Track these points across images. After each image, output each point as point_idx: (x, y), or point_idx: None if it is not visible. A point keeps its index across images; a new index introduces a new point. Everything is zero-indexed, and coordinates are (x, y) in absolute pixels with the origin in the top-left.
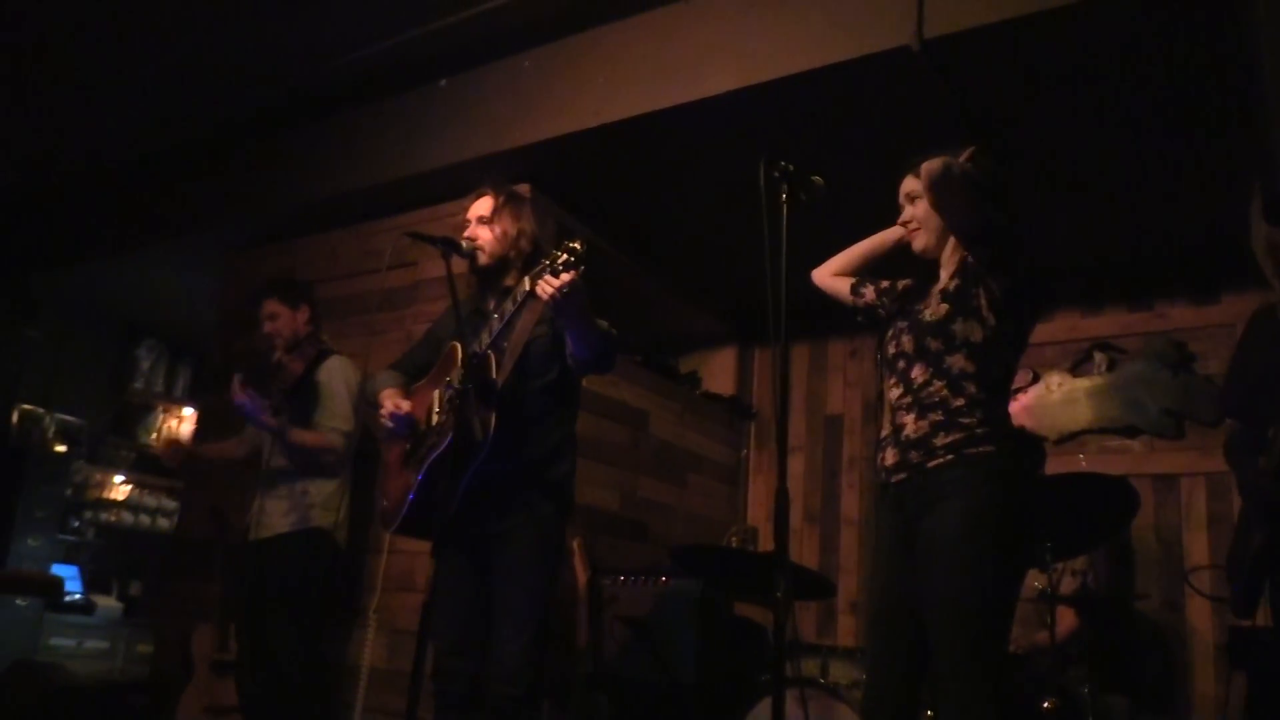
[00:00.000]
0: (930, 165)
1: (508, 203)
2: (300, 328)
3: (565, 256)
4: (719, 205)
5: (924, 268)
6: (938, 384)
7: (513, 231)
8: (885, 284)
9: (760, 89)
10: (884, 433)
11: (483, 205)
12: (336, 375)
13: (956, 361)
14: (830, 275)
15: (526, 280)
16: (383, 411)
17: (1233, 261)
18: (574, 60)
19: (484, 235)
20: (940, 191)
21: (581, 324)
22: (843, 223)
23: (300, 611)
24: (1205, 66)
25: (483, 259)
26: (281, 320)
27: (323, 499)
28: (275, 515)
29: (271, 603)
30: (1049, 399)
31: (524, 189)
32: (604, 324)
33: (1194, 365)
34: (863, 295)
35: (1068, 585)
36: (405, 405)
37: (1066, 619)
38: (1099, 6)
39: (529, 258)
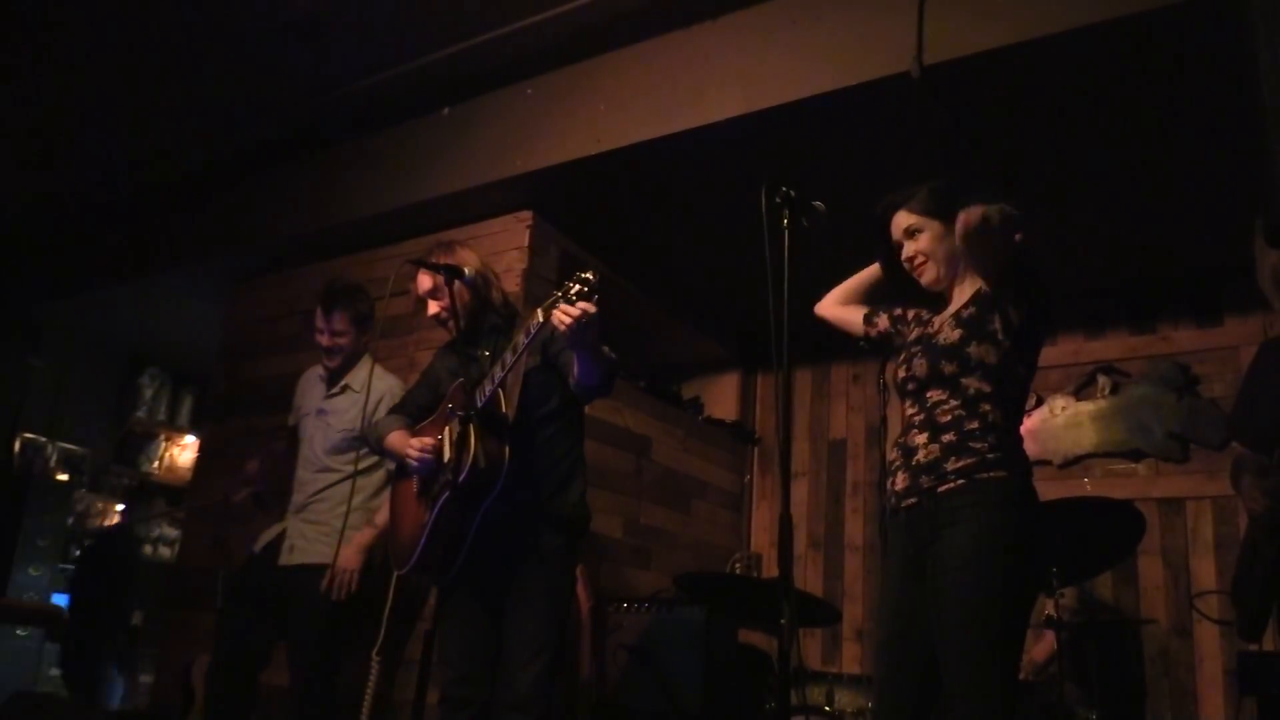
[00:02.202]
0: (969, 216)
1: (435, 275)
2: (360, 351)
3: (578, 287)
4: (721, 231)
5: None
6: (954, 403)
7: (465, 298)
8: (899, 311)
9: (762, 115)
10: (893, 457)
11: (421, 283)
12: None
13: (972, 383)
14: (835, 306)
15: (539, 312)
16: (410, 453)
17: (1236, 284)
18: (576, 88)
19: (443, 305)
20: (979, 242)
21: (593, 351)
22: (845, 247)
23: (324, 640)
24: (1206, 90)
25: (460, 325)
26: (346, 340)
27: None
28: (317, 543)
29: (296, 630)
30: (1053, 422)
31: (526, 216)
32: (604, 348)
33: (1198, 388)
34: (876, 325)
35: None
36: (429, 442)
37: (1045, 641)
38: (1099, 31)
39: (482, 293)
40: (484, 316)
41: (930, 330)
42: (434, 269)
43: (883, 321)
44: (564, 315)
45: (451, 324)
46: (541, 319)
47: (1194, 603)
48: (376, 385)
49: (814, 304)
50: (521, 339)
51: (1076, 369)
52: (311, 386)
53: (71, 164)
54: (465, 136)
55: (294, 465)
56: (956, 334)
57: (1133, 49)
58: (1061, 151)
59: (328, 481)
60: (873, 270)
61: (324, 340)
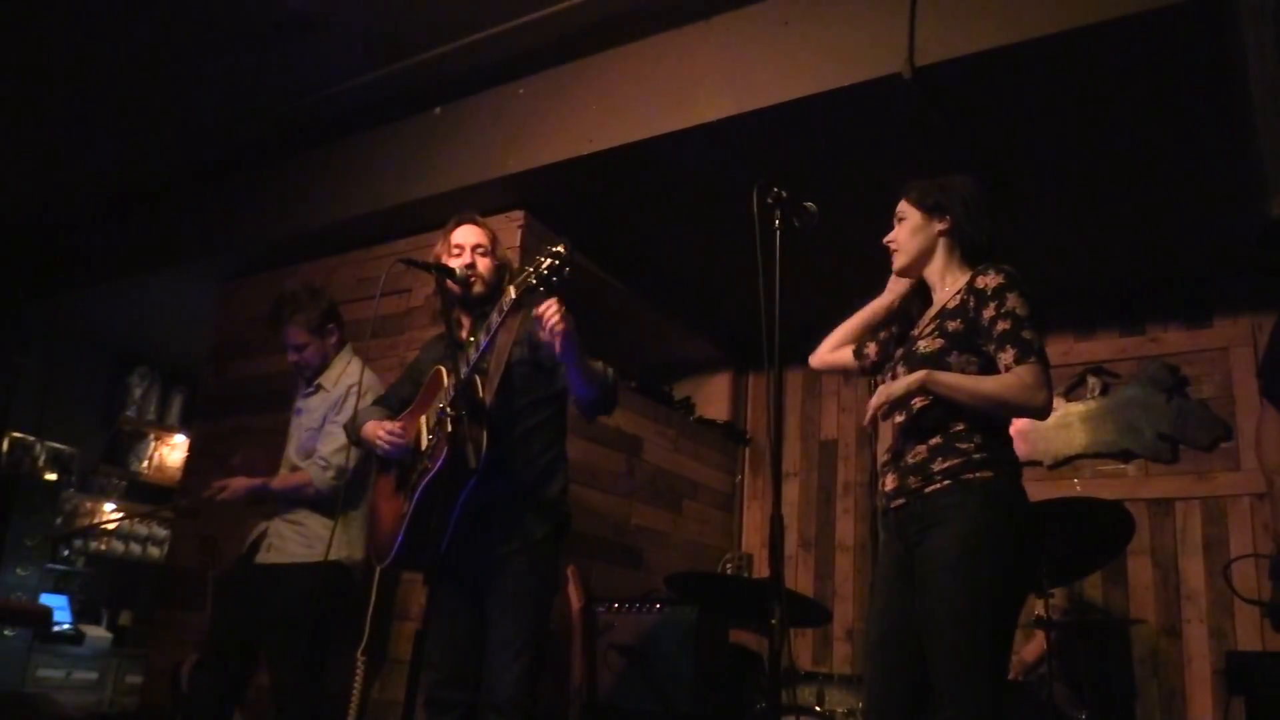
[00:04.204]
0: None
1: (493, 233)
2: (330, 352)
3: (549, 261)
4: (713, 231)
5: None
6: (938, 410)
7: (507, 257)
8: (884, 334)
9: (753, 116)
10: (884, 459)
11: (477, 234)
12: (354, 390)
13: None
14: (828, 352)
15: (511, 289)
16: (380, 441)
17: (1225, 285)
18: (567, 88)
19: (484, 264)
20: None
21: (580, 365)
22: (836, 248)
23: (302, 641)
24: (1195, 92)
25: (479, 288)
26: (310, 350)
27: (346, 532)
28: (293, 542)
29: (271, 630)
30: (1043, 423)
31: (518, 216)
32: (599, 365)
33: (1187, 389)
34: (867, 356)
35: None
36: (397, 426)
37: (1035, 641)
38: (1088, 34)
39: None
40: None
41: (913, 333)
42: (423, 268)
43: (872, 350)
44: (548, 332)
45: (452, 314)
46: (514, 295)
47: (1225, 573)
48: (343, 381)
49: (805, 304)
50: (495, 318)
51: (1066, 370)
52: (297, 384)
53: (61, 162)
54: (457, 136)
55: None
56: (938, 343)
57: (1122, 51)
58: (1052, 153)
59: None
60: (867, 311)
61: (291, 358)
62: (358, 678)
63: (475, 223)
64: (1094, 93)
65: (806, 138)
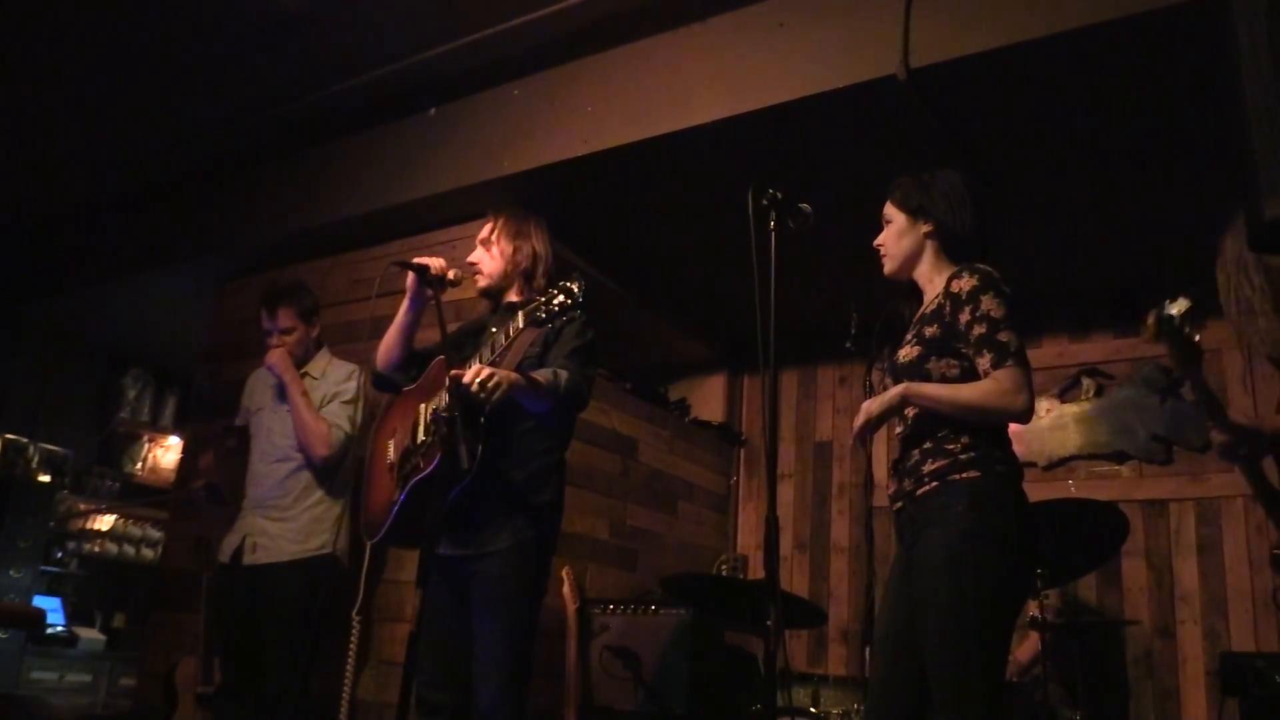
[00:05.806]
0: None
1: (506, 223)
2: (311, 346)
3: (561, 297)
4: (708, 233)
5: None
6: (931, 415)
7: (509, 250)
8: (882, 354)
9: (748, 117)
10: (888, 463)
11: (484, 229)
12: (355, 379)
13: None
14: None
15: (520, 316)
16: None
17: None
18: (563, 89)
19: (487, 260)
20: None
21: (526, 400)
22: (831, 249)
23: (300, 639)
24: (1189, 93)
25: (482, 281)
26: (295, 336)
27: (332, 523)
28: (282, 540)
29: (271, 630)
30: (1038, 425)
31: None
32: (547, 375)
33: (1181, 390)
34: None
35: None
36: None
37: (1029, 642)
38: (1083, 36)
39: (528, 273)
40: (507, 294)
41: (898, 341)
42: (416, 269)
43: (876, 378)
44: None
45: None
46: (522, 324)
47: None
48: (331, 374)
49: (800, 305)
50: (502, 340)
51: (1061, 371)
52: (262, 383)
53: (56, 163)
54: (452, 137)
55: (245, 463)
56: (916, 351)
57: (1116, 54)
58: (1046, 154)
59: (287, 470)
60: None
61: (273, 341)
62: (354, 637)
63: (493, 213)
64: (1088, 95)
65: (801, 139)
